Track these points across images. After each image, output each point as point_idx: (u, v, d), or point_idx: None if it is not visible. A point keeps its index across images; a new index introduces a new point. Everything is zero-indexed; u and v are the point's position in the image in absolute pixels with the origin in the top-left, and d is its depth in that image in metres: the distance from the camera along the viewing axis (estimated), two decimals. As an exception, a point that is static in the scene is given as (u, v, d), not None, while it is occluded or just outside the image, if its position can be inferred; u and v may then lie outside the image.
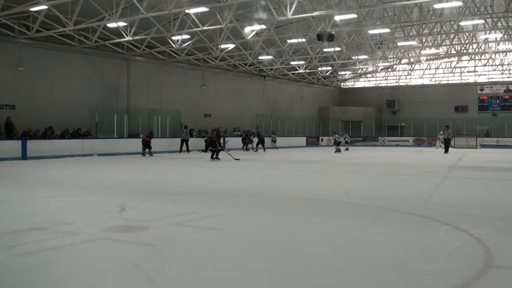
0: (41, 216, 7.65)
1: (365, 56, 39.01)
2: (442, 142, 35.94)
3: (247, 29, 25.58)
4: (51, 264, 4.96)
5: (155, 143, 25.03)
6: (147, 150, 23.95)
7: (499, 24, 27.96)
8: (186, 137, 27.41)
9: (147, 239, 6.06)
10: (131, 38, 24.88)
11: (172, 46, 27.82)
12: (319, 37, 24.67)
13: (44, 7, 19.93)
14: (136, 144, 25.79)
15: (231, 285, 4.44)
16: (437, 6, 22.80)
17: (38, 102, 24.17)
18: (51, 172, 16.04)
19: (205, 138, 28.37)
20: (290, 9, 20.69)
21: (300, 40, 29.42)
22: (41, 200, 9.43)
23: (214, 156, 21.38)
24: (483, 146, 37.44)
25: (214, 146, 21.62)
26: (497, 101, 43.00)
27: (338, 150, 28.95)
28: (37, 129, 22.95)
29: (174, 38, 27.10)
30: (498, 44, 35.63)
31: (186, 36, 27.17)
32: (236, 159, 20.32)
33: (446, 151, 28.64)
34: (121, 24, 23.32)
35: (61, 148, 22.23)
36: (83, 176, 14.81)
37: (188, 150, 27.25)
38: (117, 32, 24.60)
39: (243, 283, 4.48)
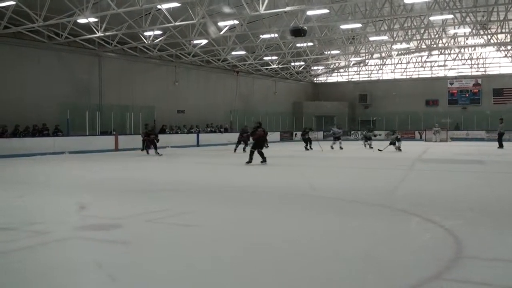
0: (11, 215, 7.51)
1: (338, 51, 39.22)
2: (437, 133, 36.65)
3: (216, 27, 25.43)
4: (21, 265, 4.88)
5: (126, 140, 24.68)
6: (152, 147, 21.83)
7: (467, 19, 28.43)
8: None
9: (120, 237, 6.00)
10: (102, 34, 24.54)
11: (144, 42, 27.57)
12: (292, 32, 24.74)
13: (12, 2, 19.54)
14: (108, 141, 25.53)
15: (203, 281, 4.43)
16: (407, 1, 23.05)
17: (7, 100, 23.65)
18: (21, 170, 15.73)
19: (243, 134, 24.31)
20: (263, 4, 20.69)
21: (272, 35, 29.44)
22: (10, 199, 9.24)
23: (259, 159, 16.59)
24: (453, 139, 38.07)
25: (261, 147, 16.87)
26: (466, 95, 43.79)
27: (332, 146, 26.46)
28: (5, 125, 22.45)
29: (146, 34, 26.85)
30: (467, 39, 36.23)
31: (158, 32, 26.93)
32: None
33: (501, 145, 26.78)
34: (92, 19, 22.98)
35: (31, 146, 21.79)
36: (54, 174, 14.59)
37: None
38: (88, 28, 24.23)
39: (216, 278, 4.48)
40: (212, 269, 4.74)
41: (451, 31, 33.19)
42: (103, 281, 4.46)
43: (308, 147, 25.99)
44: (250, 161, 16.33)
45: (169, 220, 7.09)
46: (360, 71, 48.74)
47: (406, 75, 46.59)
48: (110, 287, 4.32)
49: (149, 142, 21.72)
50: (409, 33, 33.10)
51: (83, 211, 7.79)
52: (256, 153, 16.47)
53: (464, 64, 43.68)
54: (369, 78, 48.33)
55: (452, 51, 41.96)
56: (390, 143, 24.01)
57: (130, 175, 14.36)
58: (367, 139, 28.68)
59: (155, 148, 21.47)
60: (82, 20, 22.81)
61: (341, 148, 25.78)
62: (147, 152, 21.75)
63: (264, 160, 16.32)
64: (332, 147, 26.33)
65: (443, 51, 41.72)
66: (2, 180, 13.14)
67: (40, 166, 17.18)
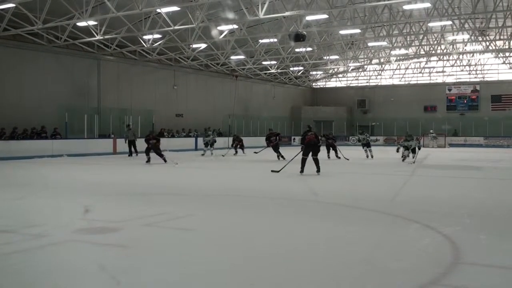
0: (9, 218, 7.49)
1: (336, 56, 39.30)
2: (434, 139, 36.79)
3: (215, 31, 25.49)
4: (18, 268, 4.87)
5: (124, 143, 24.75)
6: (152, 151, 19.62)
7: (466, 26, 28.52)
8: (132, 137, 23.75)
9: (118, 240, 5.99)
10: (102, 37, 24.53)
11: (143, 46, 27.57)
12: (291, 37, 24.78)
13: (11, 5, 19.53)
14: (107, 144, 25.52)
15: (202, 285, 4.43)
16: (406, 7, 23.13)
17: (5, 102, 23.64)
18: (19, 173, 15.70)
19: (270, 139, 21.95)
20: (262, 9, 20.72)
21: (271, 40, 29.50)
22: (8, 202, 9.23)
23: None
24: (451, 145, 38.14)
25: (314, 153, 14.68)
26: (465, 101, 43.88)
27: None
28: (3, 128, 22.44)
29: (145, 37, 26.87)
30: (465, 45, 36.32)
31: (158, 36, 26.97)
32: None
33: None
34: (91, 23, 22.99)
35: (29, 149, 21.74)
36: (53, 177, 14.54)
37: (136, 152, 23.15)
38: (87, 31, 24.23)
39: (214, 283, 4.48)
40: (211, 273, 4.74)
41: (450, 37, 33.26)
42: (102, 284, 4.45)
43: (340, 155, 21.68)
44: (302, 170, 14.54)
45: (167, 224, 7.08)
46: (358, 76, 48.81)
47: (405, 81, 46.67)
48: (108, 290, 4.32)
49: (153, 148, 19.49)
50: (408, 39, 33.21)
51: (82, 214, 7.77)
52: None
53: (462, 71, 43.76)
54: (367, 84, 48.41)
55: (451, 57, 42.06)
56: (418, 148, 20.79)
57: (128, 178, 14.34)
58: (364, 144, 22.81)
59: (161, 155, 19.26)
60: (81, 23, 22.82)
61: (372, 156, 22.20)
62: (164, 161, 19.07)
63: (318, 169, 14.53)
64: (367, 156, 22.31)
65: (441, 57, 41.79)
66: (0, 182, 13.10)
67: (38, 169, 17.12)
